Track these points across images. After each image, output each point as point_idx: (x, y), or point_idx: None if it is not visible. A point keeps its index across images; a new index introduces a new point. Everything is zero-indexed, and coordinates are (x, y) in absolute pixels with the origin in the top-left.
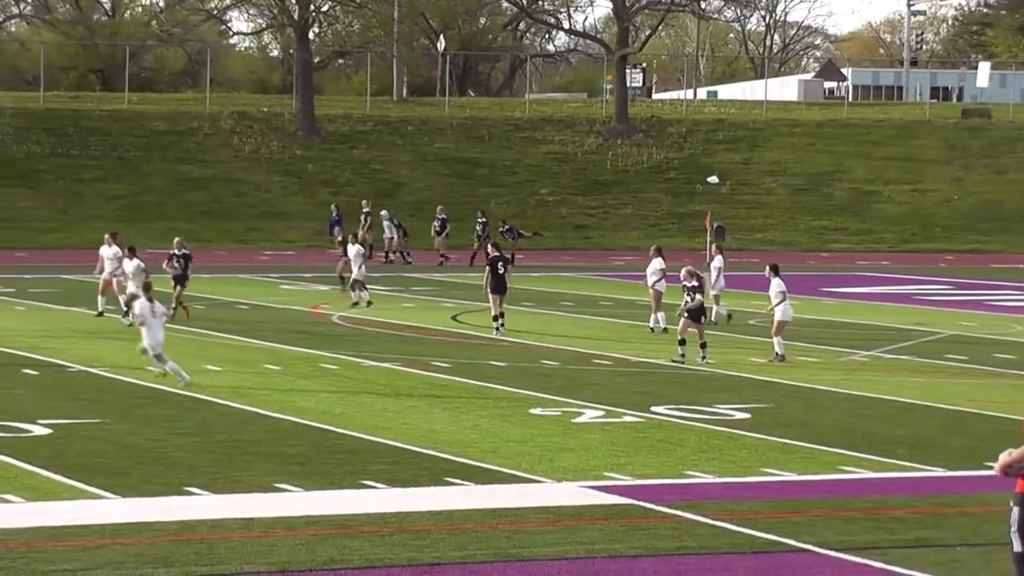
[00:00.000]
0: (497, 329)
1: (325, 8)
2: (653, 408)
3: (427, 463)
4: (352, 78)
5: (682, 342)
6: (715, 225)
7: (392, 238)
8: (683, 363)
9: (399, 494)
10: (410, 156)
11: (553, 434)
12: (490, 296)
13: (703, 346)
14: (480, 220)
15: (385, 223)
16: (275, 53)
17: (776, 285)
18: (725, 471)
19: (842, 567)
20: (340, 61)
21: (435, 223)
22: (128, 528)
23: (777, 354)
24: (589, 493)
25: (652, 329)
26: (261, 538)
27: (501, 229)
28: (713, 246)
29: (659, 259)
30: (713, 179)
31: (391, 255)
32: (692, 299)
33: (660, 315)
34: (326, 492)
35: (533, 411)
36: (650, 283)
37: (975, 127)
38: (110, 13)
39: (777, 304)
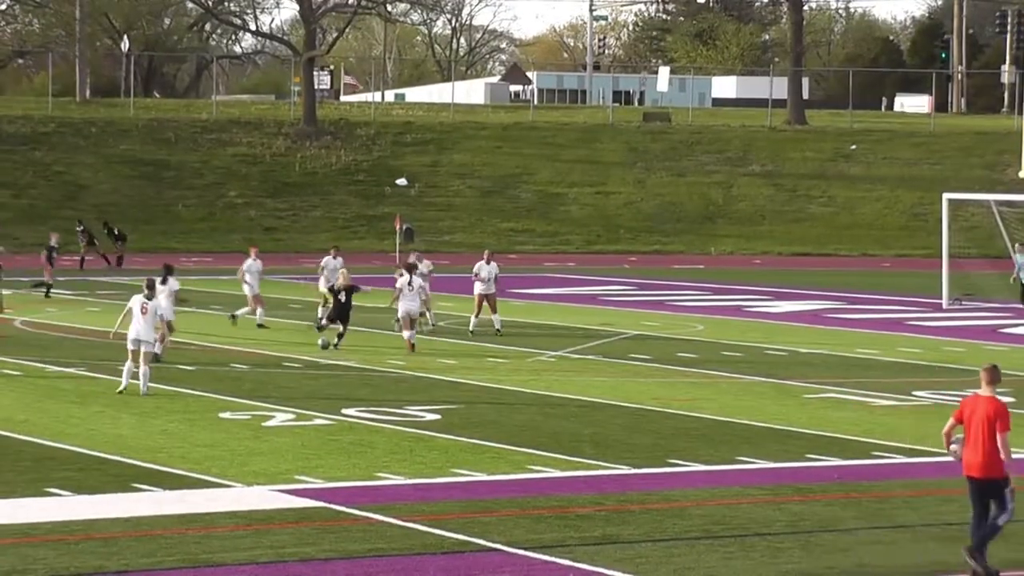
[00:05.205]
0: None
1: (3, 7)
2: (344, 410)
3: (115, 469)
4: (33, 79)
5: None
6: (404, 227)
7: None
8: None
9: (85, 501)
10: (95, 158)
11: (243, 438)
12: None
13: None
14: (79, 228)
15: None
16: None
17: (417, 281)
18: (416, 472)
19: (531, 565)
20: (20, 61)
21: None
22: None
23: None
24: (280, 497)
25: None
26: None
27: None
28: (331, 250)
29: (493, 264)
30: (402, 181)
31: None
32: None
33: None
34: (8, 501)
35: (223, 415)
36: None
37: (655, 130)
38: None
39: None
